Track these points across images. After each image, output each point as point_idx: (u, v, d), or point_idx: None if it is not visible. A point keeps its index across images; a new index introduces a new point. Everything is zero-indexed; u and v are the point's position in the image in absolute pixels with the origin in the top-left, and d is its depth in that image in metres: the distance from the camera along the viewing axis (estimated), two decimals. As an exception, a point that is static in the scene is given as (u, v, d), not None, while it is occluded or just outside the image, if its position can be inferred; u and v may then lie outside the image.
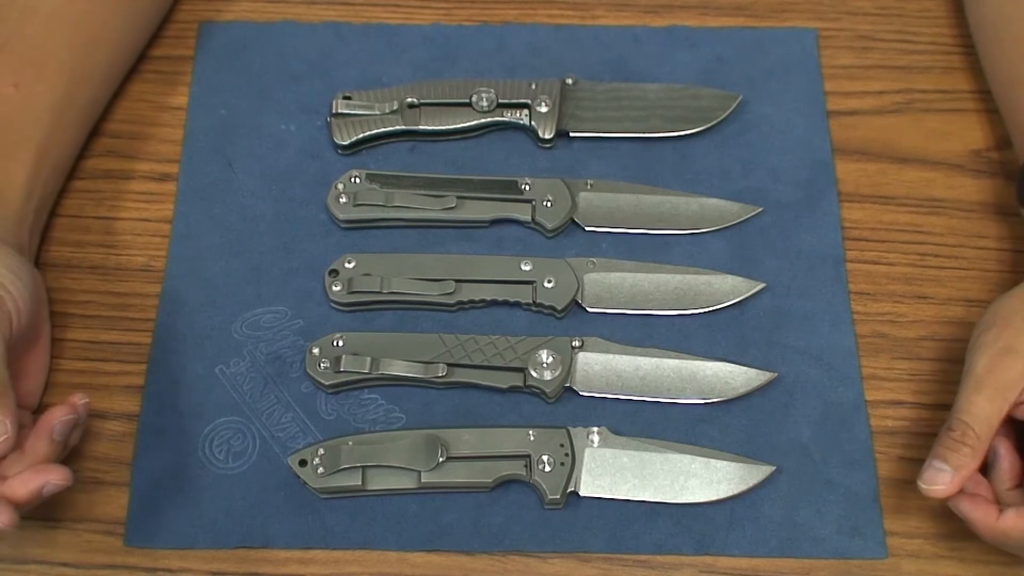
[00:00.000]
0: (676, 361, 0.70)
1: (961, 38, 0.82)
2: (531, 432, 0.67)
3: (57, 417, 0.61)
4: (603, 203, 0.75)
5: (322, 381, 0.69)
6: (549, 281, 0.71)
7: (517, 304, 0.72)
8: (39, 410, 0.68)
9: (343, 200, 0.74)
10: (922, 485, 0.62)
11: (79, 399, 0.63)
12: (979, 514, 0.61)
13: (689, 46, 0.81)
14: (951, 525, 0.66)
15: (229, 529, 0.66)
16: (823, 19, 0.83)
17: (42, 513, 0.65)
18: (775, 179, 0.77)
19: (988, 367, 0.63)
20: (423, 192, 0.74)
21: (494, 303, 0.72)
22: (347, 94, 0.77)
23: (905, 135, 0.78)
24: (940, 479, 0.61)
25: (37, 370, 0.68)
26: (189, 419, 0.68)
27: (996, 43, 0.76)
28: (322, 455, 0.66)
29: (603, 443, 0.67)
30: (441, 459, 0.66)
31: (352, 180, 0.74)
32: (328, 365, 0.69)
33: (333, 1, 0.83)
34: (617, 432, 0.68)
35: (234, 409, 0.69)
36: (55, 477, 0.59)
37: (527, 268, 0.72)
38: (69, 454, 0.67)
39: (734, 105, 0.78)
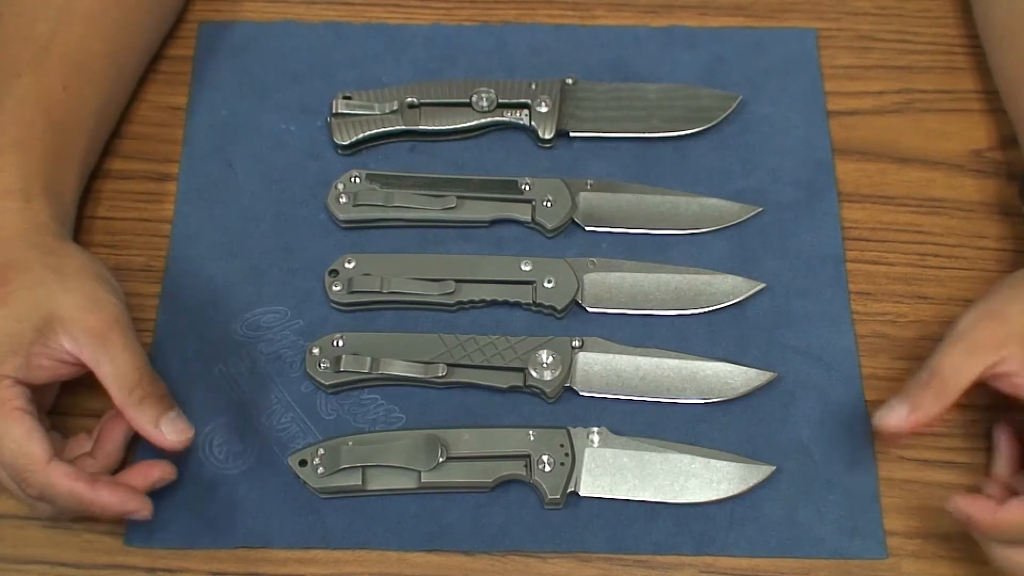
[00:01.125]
0: (676, 361, 0.70)
1: (961, 38, 0.82)
2: (531, 432, 0.67)
3: (157, 476, 0.64)
4: (603, 203, 0.75)
5: (322, 381, 0.69)
6: (549, 281, 0.71)
7: (517, 304, 0.72)
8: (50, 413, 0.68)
9: (343, 200, 0.74)
10: (874, 421, 0.63)
11: (171, 474, 0.65)
12: (977, 508, 0.61)
13: (689, 46, 0.81)
14: (951, 525, 0.66)
15: (229, 529, 0.66)
16: (823, 19, 0.83)
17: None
18: (775, 179, 0.77)
19: (970, 325, 0.63)
20: (423, 192, 0.74)
21: (494, 303, 0.72)
22: (347, 94, 0.77)
23: (905, 135, 0.78)
24: (893, 416, 0.62)
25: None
26: (189, 419, 0.68)
27: (1005, 41, 0.75)
28: (322, 455, 0.66)
29: (603, 443, 0.67)
30: (441, 459, 0.66)
31: (352, 180, 0.74)
32: (328, 365, 0.69)
33: (333, 1, 0.83)
34: (617, 432, 0.68)
35: (234, 409, 0.69)
36: (164, 473, 0.64)
37: (527, 268, 0.72)
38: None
39: (734, 105, 0.78)
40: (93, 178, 0.76)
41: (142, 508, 0.62)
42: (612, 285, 0.72)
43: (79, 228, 0.74)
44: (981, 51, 0.80)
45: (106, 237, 0.74)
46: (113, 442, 0.65)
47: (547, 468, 0.66)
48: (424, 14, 0.83)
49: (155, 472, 0.64)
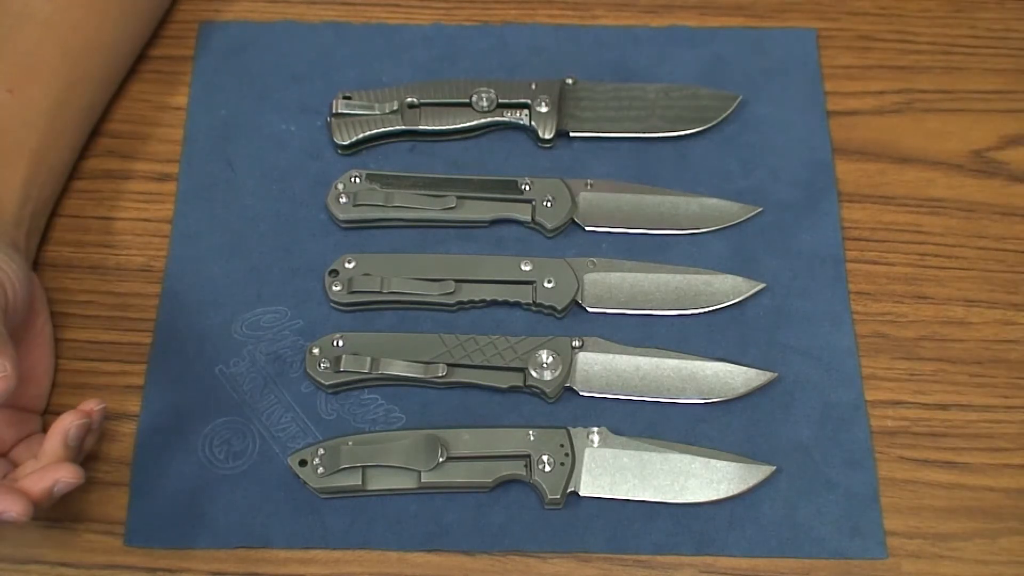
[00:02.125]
0: (676, 361, 0.70)
1: (961, 38, 0.82)
2: (531, 432, 0.67)
3: (70, 422, 0.61)
4: (603, 203, 0.75)
5: (322, 381, 0.69)
6: (549, 281, 0.71)
7: (517, 304, 0.72)
8: (48, 413, 0.68)
9: (343, 200, 0.74)
10: None
11: (95, 405, 0.62)
12: None
13: (689, 46, 0.81)
14: (951, 525, 0.66)
15: (229, 529, 0.66)
16: (823, 19, 0.83)
17: (43, 513, 0.66)
18: (775, 179, 0.77)
19: None
20: (423, 192, 0.74)
21: (494, 303, 0.72)
22: (347, 94, 0.77)
23: (905, 135, 0.78)
24: None
25: (41, 373, 0.68)
26: (189, 419, 0.68)
27: None
28: (322, 455, 0.66)
29: (603, 443, 0.67)
30: (441, 459, 0.66)
31: (352, 180, 0.74)
32: (328, 365, 0.69)
33: (333, 1, 0.83)
34: (617, 432, 0.68)
35: (234, 409, 0.69)
36: (65, 475, 0.59)
37: (527, 268, 0.72)
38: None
39: (734, 105, 0.78)
40: (94, 178, 0.76)
41: (11, 508, 0.58)
42: (612, 285, 0.72)
43: (80, 228, 0.74)
44: (981, 51, 0.80)
45: (106, 237, 0.74)
46: (51, 441, 0.61)
47: (547, 468, 0.66)
48: (424, 14, 0.83)
49: (51, 476, 0.60)
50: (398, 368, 0.69)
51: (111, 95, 0.77)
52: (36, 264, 0.72)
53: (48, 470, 0.60)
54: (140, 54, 0.80)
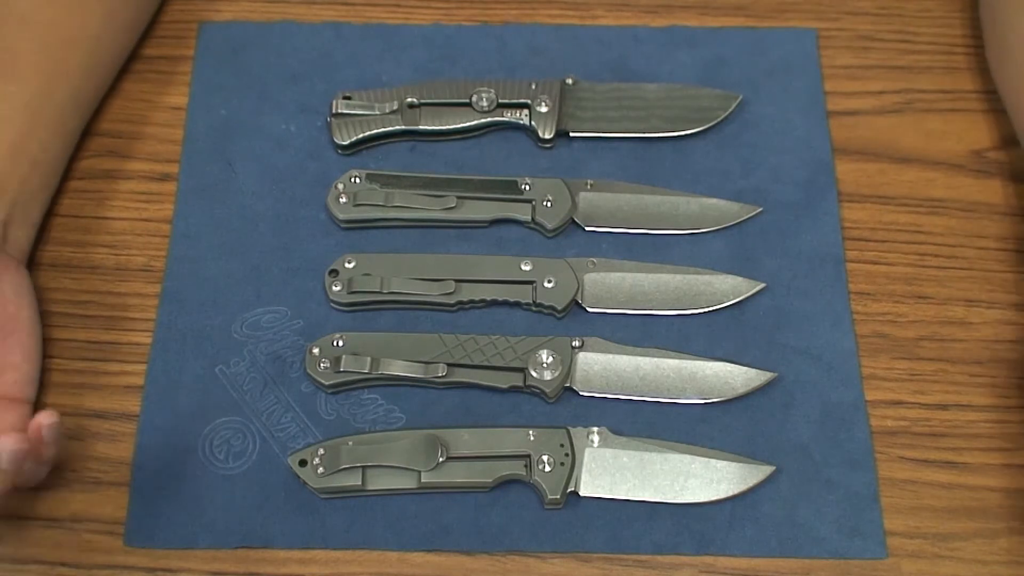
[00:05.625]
0: (676, 361, 0.70)
1: (961, 38, 0.82)
2: (531, 432, 0.67)
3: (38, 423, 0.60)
4: (603, 203, 0.75)
5: (322, 381, 0.69)
6: (549, 281, 0.71)
7: (517, 304, 0.72)
8: (39, 406, 0.68)
9: (343, 200, 0.74)
10: None
11: (46, 419, 0.61)
12: None
13: (689, 46, 0.81)
14: (951, 525, 0.66)
15: (229, 529, 0.66)
16: (823, 19, 0.83)
17: (42, 513, 0.66)
18: (775, 179, 0.77)
19: None
20: (423, 192, 0.74)
21: (494, 303, 0.72)
22: (347, 94, 0.77)
23: (905, 135, 0.78)
24: None
25: (19, 359, 0.66)
26: (189, 419, 0.68)
27: (1007, 41, 0.75)
28: (322, 455, 0.66)
29: (603, 443, 0.67)
30: (441, 459, 0.66)
31: (352, 180, 0.74)
32: (328, 365, 0.69)
33: (333, 1, 0.83)
34: (617, 432, 0.68)
35: (234, 409, 0.69)
36: (43, 418, 0.60)
37: (527, 268, 0.72)
38: (68, 454, 0.67)
39: (734, 105, 0.78)
40: (94, 178, 0.76)
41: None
42: (612, 285, 0.72)
43: (80, 228, 0.74)
44: (981, 51, 0.80)
45: (106, 237, 0.74)
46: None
47: (547, 468, 0.66)
48: (424, 14, 0.83)
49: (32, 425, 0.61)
50: (398, 368, 0.69)
51: (103, 87, 0.77)
52: (36, 264, 0.72)
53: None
54: (140, 54, 0.80)
